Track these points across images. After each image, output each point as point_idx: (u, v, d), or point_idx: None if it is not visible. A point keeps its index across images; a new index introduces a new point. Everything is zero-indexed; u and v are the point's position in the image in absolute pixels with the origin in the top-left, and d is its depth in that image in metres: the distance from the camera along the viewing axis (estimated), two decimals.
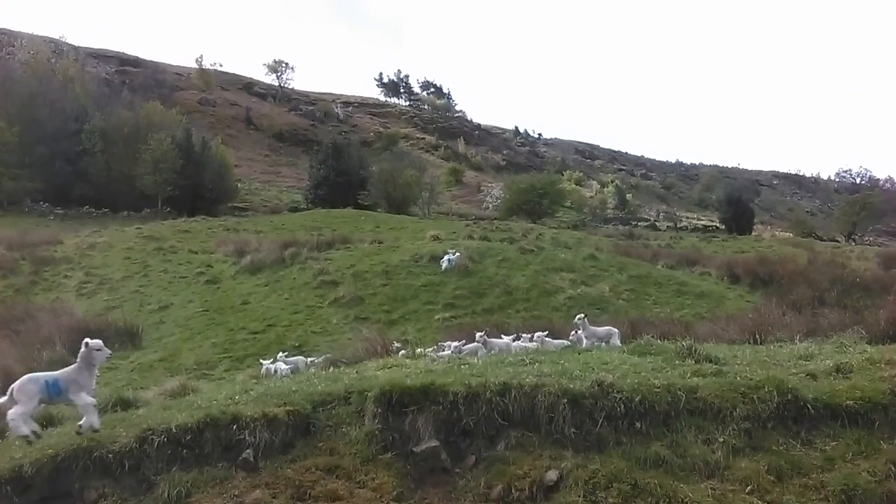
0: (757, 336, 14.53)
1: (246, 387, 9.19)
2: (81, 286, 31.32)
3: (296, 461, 7.31)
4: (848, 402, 7.67)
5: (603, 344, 12.49)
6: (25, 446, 7.78)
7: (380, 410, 7.63)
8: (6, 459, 7.38)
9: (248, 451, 7.31)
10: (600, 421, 7.48)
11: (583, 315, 13.45)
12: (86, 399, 7.58)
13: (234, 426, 7.44)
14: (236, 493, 6.89)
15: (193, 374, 17.43)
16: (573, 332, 13.42)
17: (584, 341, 12.83)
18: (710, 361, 8.99)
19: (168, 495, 6.82)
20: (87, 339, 7.80)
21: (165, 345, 22.55)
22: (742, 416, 7.52)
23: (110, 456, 7.14)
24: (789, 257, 36.89)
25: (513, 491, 6.92)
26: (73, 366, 7.73)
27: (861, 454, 7.22)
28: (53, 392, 7.68)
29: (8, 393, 7.58)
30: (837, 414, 7.63)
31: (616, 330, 13.47)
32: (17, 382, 7.66)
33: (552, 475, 6.97)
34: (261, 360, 16.13)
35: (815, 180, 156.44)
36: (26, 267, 33.75)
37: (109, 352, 7.94)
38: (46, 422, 10.71)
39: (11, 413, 7.41)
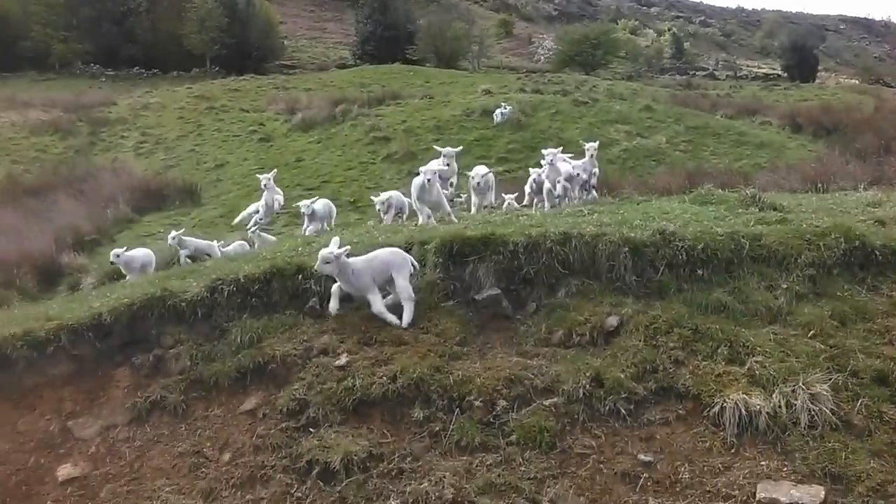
0: (819, 185, 14.20)
1: (308, 239, 9.35)
2: (138, 146, 31.84)
3: (360, 309, 7.50)
4: None
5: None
6: (103, 296, 8.15)
7: (441, 260, 7.71)
8: (86, 308, 7.73)
9: (314, 299, 7.52)
10: (661, 269, 7.48)
11: (556, 150, 11.84)
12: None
13: (300, 276, 7.63)
14: (305, 338, 7.14)
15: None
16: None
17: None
18: (775, 209, 8.83)
19: (240, 340, 7.10)
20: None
21: (224, 202, 23.02)
22: (807, 262, 7.44)
23: (183, 304, 7.42)
24: (854, 105, 35.49)
25: (573, 336, 7.04)
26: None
27: None
28: None
29: None
30: None
31: None
32: None
33: (613, 321, 7.06)
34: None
35: (886, 24, 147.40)
36: (84, 129, 34.31)
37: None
38: (117, 274, 11.20)
39: None
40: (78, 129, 34.13)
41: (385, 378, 6.57)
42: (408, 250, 8.13)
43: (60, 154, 31.19)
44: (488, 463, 5.98)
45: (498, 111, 27.65)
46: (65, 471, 6.43)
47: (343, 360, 6.85)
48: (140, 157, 30.41)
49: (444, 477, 5.85)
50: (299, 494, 5.94)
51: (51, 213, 21.76)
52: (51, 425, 6.87)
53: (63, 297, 9.79)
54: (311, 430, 6.37)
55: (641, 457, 5.97)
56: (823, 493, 5.46)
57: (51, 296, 12.91)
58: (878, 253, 7.52)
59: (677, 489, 5.72)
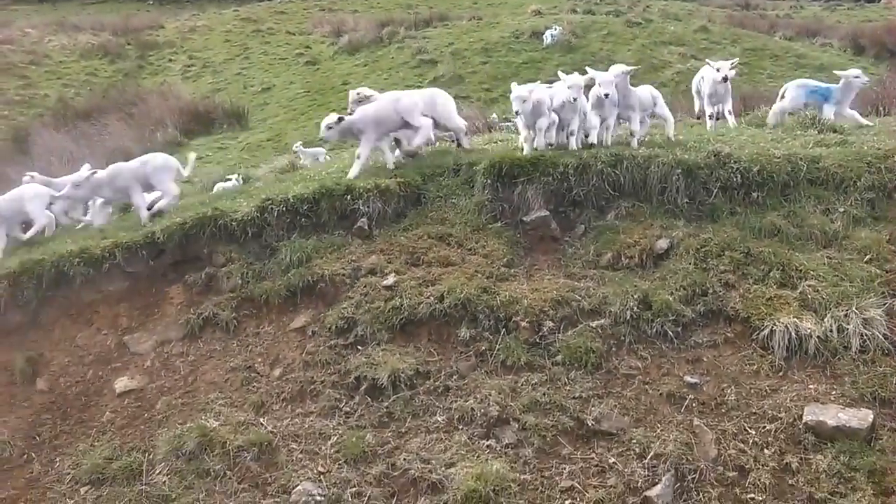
0: (881, 108, 13.69)
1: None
2: (186, 69, 31.89)
3: (408, 230, 7.52)
4: None
5: None
6: (156, 216, 8.28)
7: (489, 181, 7.65)
8: (139, 228, 7.89)
9: (362, 219, 7.54)
10: (715, 191, 7.34)
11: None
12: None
13: (348, 196, 7.62)
14: (353, 258, 7.20)
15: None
16: None
17: None
18: (835, 132, 8.55)
19: (290, 259, 7.18)
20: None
21: (271, 125, 23.07)
22: (866, 185, 7.23)
23: (234, 224, 7.49)
24: None
25: (622, 258, 6.99)
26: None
27: None
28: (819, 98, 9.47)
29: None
30: None
31: None
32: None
33: (663, 243, 6.97)
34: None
35: None
36: (132, 52, 34.40)
37: (867, 79, 9.77)
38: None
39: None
40: (126, 53, 34.21)
41: (432, 298, 6.62)
42: (456, 171, 8.08)
43: (110, 77, 31.38)
44: (533, 382, 6.04)
45: (548, 33, 27.00)
46: (122, 383, 6.66)
47: (391, 279, 6.89)
48: (187, 80, 30.46)
49: (490, 395, 5.93)
50: (347, 409, 6.08)
51: (101, 136, 22.01)
52: (107, 340, 7.09)
53: (116, 218, 9.94)
54: (359, 347, 6.48)
55: (688, 378, 5.97)
56: (872, 416, 5.41)
57: None
58: None
59: (723, 411, 5.73)
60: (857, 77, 9.48)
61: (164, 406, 6.39)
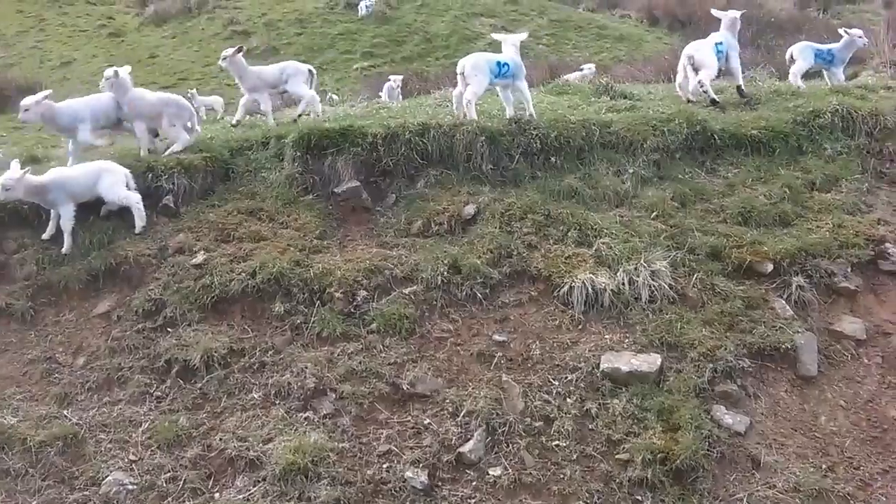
0: (672, 76, 14.69)
1: (162, 136, 8.94)
2: None
3: (217, 206, 7.35)
4: (752, 131, 8.04)
5: None
6: None
7: (299, 154, 7.60)
8: None
9: (167, 197, 7.27)
10: (517, 157, 7.67)
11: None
12: None
13: (150, 174, 7.33)
14: (160, 237, 6.96)
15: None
16: None
17: None
18: (625, 98, 9.14)
19: (90, 242, 6.84)
20: None
21: None
22: (652, 147, 7.81)
23: (25, 207, 7.02)
24: None
25: (432, 225, 7.18)
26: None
27: (760, 180, 7.71)
28: None
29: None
30: (742, 143, 8.03)
31: None
32: None
33: (470, 209, 7.22)
34: None
35: None
36: None
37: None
38: None
39: None
40: None
41: (244, 274, 6.53)
42: (265, 144, 7.99)
43: None
44: (349, 351, 6.12)
45: (363, 4, 26.82)
46: None
47: (200, 258, 6.74)
48: None
49: (306, 367, 5.96)
50: (159, 393, 5.92)
51: None
52: None
53: None
54: (168, 329, 6.30)
55: (496, 337, 6.26)
56: (660, 360, 5.92)
57: None
58: (717, 137, 7.98)
59: (529, 365, 6.06)
60: (859, 37, 9.41)
61: None
